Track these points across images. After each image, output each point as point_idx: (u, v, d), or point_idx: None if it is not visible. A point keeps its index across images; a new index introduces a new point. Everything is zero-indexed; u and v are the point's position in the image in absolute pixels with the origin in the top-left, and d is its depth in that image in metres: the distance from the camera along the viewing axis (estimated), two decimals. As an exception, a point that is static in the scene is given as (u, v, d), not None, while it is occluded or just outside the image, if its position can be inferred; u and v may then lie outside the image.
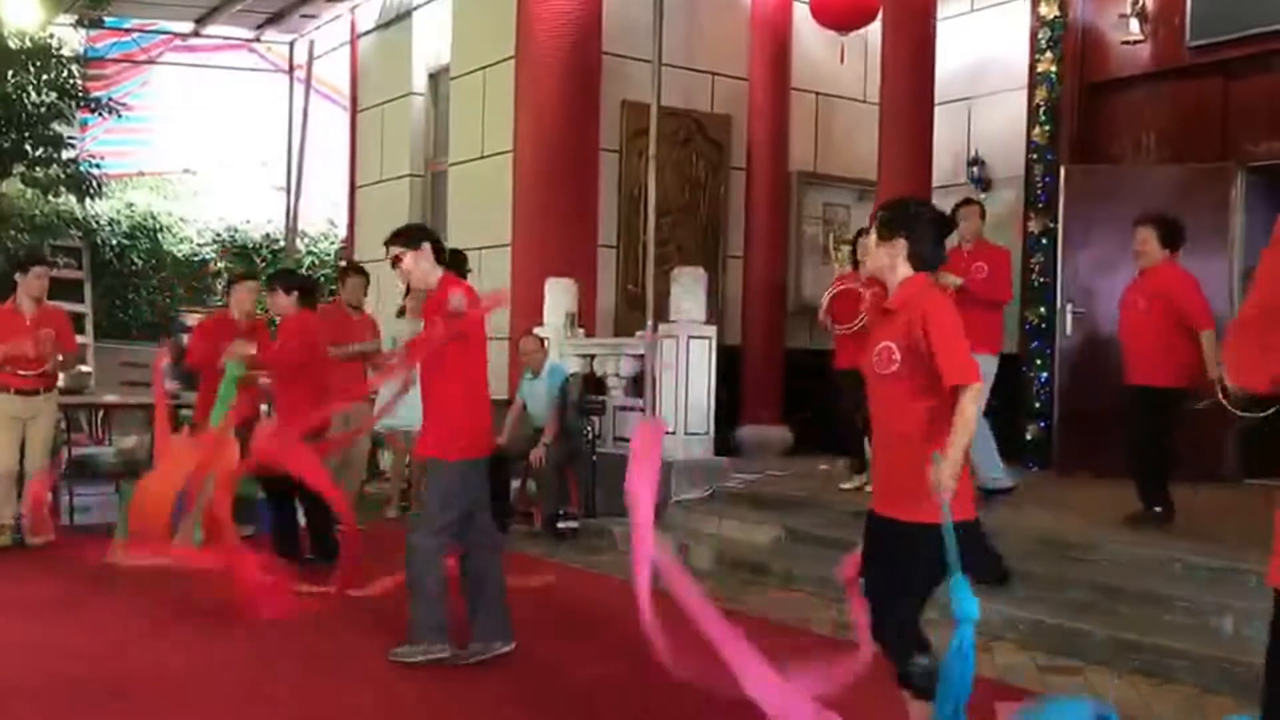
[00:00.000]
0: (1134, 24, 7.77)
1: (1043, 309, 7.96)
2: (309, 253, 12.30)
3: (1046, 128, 8.18)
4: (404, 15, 10.61)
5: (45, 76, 9.96)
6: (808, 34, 9.22)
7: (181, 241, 11.95)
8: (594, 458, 7.25)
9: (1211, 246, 7.11)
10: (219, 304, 8.63)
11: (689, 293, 7.12)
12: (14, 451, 6.24)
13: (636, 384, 7.38)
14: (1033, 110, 8.27)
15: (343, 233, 11.97)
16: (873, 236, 3.12)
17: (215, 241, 12.16)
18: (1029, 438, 7.89)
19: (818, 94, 9.66)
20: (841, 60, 8.69)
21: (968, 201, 6.39)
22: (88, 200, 10.56)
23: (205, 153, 12.38)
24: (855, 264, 6.50)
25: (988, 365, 5.95)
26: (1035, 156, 8.21)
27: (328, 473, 5.17)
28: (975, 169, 8.75)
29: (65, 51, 10.32)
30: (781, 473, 7.55)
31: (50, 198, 10.68)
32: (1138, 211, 7.13)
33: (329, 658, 4.25)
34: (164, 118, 12.22)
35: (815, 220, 9.63)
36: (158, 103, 12.21)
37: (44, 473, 6.35)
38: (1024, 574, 4.93)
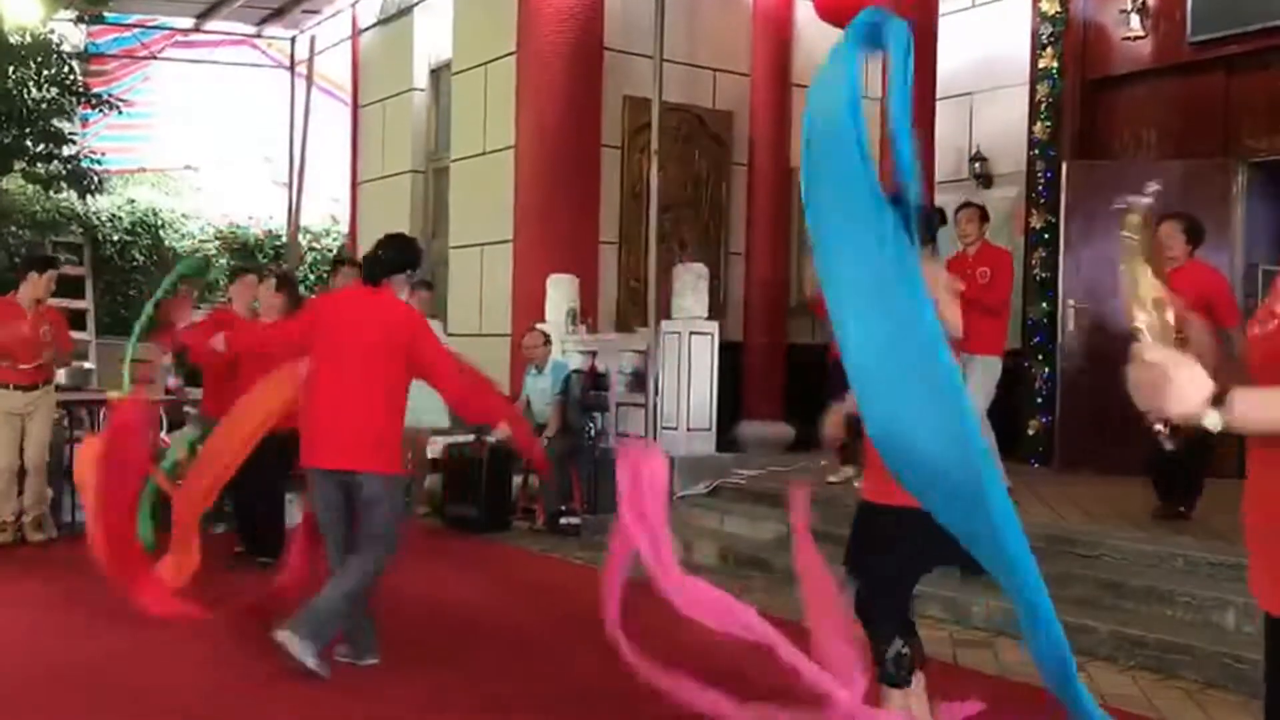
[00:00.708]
0: (1135, 20, 7.77)
1: (1044, 305, 7.97)
2: (311, 249, 12.29)
3: (1048, 123, 8.18)
4: (405, 11, 10.60)
5: (46, 72, 9.95)
6: (810, 29, 9.21)
7: (183, 238, 11.94)
8: (596, 454, 7.26)
9: (1212, 242, 7.07)
10: (222, 300, 8.62)
11: (691, 289, 7.14)
12: (13, 447, 6.24)
13: (638, 380, 7.39)
14: (1034, 106, 8.27)
15: (345, 229, 11.97)
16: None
17: (217, 238, 12.15)
18: (1031, 434, 7.90)
19: (819, 90, 9.63)
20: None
21: (967, 204, 6.39)
22: (89, 196, 10.55)
23: (206, 149, 12.35)
24: None
25: (993, 368, 5.97)
26: (1037, 152, 8.22)
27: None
28: (977, 165, 8.75)
29: (66, 47, 10.31)
30: (784, 468, 7.56)
31: (51, 194, 10.67)
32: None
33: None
34: (165, 113, 12.19)
35: (817, 216, 9.62)
36: (159, 98, 12.18)
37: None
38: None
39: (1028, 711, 3.26)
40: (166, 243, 11.80)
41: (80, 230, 11.25)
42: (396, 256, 4.18)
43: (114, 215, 11.58)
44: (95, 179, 10.26)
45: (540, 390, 7.27)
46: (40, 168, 10.16)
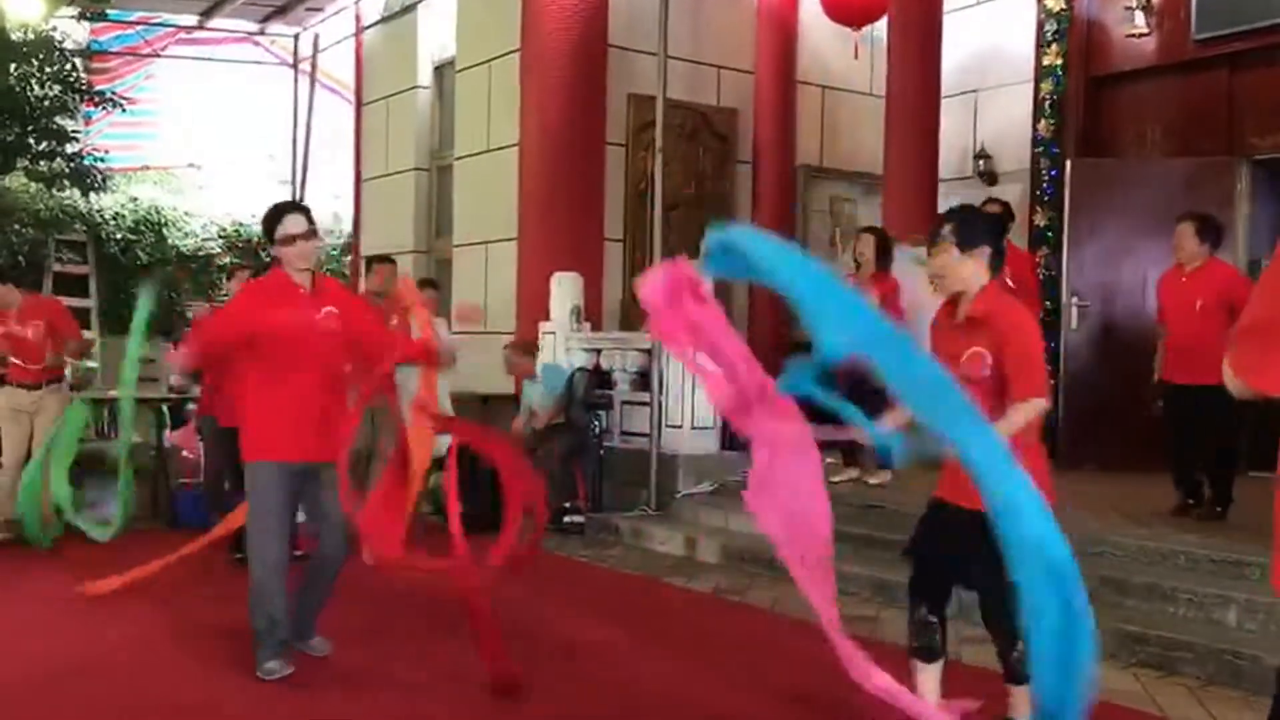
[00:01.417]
0: (1139, 17, 7.77)
1: (1048, 303, 7.96)
2: (314, 246, 12.30)
3: (1052, 121, 8.18)
4: (409, 8, 10.60)
5: (49, 70, 9.96)
6: (814, 27, 9.22)
7: (186, 236, 11.95)
8: (600, 452, 7.27)
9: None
10: (225, 298, 8.65)
11: (695, 287, 7.12)
12: (21, 446, 6.25)
13: (643, 378, 7.39)
14: (1038, 104, 8.27)
15: (348, 227, 11.97)
16: (950, 250, 3.11)
17: (220, 236, 12.16)
18: (1034, 431, 7.90)
19: (824, 87, 9.65)
20: (855, 56, 8.68)
21: (991, 201, 6.34)
22: (92, 194, 10.56)
23: (210, 146, 12.36)
24: (857, 265, 6.47)
25: None
26: (1041, 150, 8.22)
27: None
28: (981, 162, 8.75)
29: (69, 45, 10.32)
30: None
31: (55, 192, 10.68)
32: (1144, 204, 7.20)
33: (323, 660, 4.24)
34: (168, 111, 12.20)
35: (822, 214, 9.64)
36: (162, 96, 12.19)
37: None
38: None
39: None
40: (170, 241, 11.81)
41: (84, 228, 11.26)
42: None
43: (117, 213, 11.59)
44: (98, 177, 10.27)
45: (538, 395, 7.26)
46: (43, 166, 10.17)
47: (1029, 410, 3.01)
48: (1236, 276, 5.42)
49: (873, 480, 6.55)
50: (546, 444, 7.09)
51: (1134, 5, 7.78)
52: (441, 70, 10.37)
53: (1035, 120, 8.29)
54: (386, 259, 7.72)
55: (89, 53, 11.24)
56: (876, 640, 4.04)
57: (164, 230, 11.79)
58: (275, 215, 4.05)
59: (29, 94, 9.87)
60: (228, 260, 11.64)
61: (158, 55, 12.20)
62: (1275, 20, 7.08)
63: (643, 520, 6.83)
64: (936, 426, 2.36)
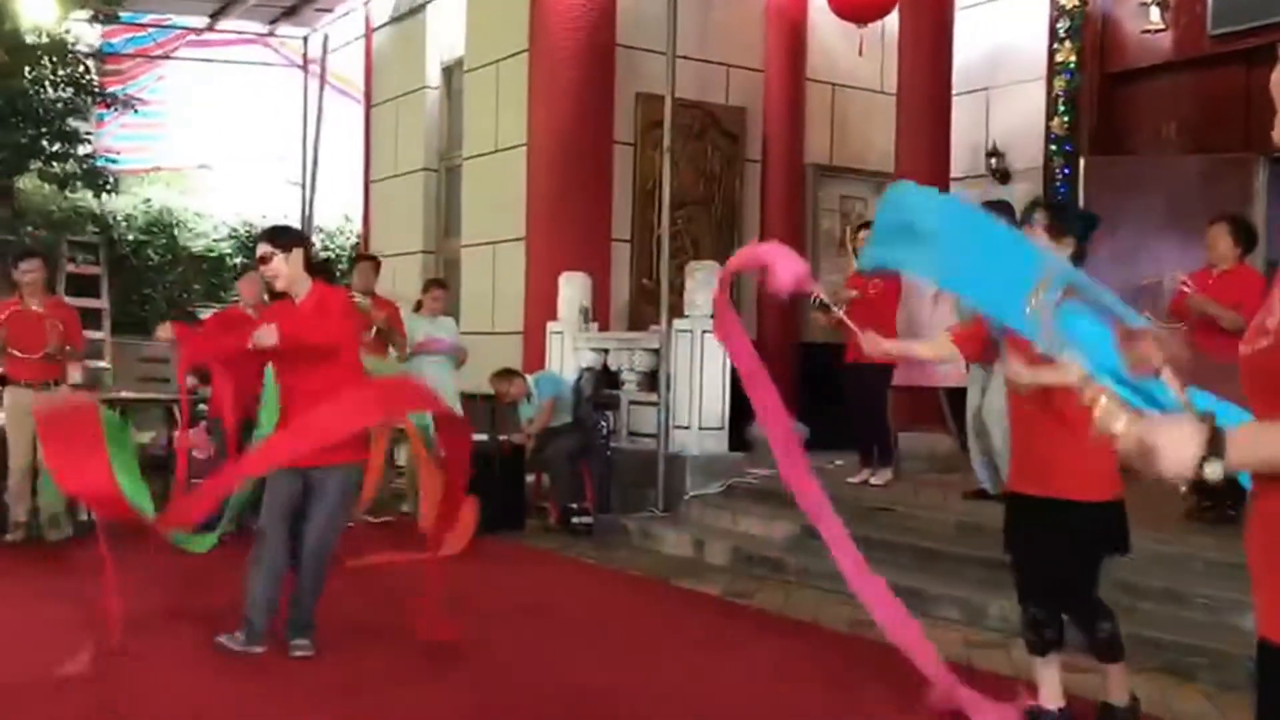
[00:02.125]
0: (1154, 12, 7.68)
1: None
2: (324, 247, 12.31)
3: (1066, 118, 8.10)
4: (418, 9, 10.59)
5: (61, 72, 10.01)
6: (823, 25, 9.15)
7: (197, 236, 11.98)
8: (608, 453, 7.23)
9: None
10: (235, 299, 8.65)
11: (704, 287, 7.07)
12: (28, 446, 6.25)
13: (651, 379, 7.35)
14: (1051, 101, 8.19)
15: (358, 227, 11.98)
16: (1040, 236, 3.25)
17: (231, 237, 12.18)
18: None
19: (834, 85, 9.58)
20: (860, 53, 8.61)
21: (996, 202, 6.31)
22: (104, 195, 10.59)
23: (220, 147, 12.40)
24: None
25: None
26: (1054, 148, 8.13)
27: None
28: (993, 160, 8.67)
29: (81, 47, 10.36)
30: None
31: (67, 193, 10.72)
32: (1159, 203, 7.10)
33: (327, 651, 4.21)
34: (179, 113, 12.24)
35: (831, 213, 9.57)
36: (173, 98, 12.23)
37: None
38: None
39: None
40: (181, 241, 11.84)
41: (96, 230, 11.30)
42: None
43: (129, 215, 11.63)
44: (110, 178, 10.30)
45: (538, 408, 7.19)
46: (56, 167, 10.20)
47: (1074, 369, 3.03)
48: (1254, 281, 5.32)
49: (875, 480, 6.50)
50: (554, 444, 7.05)
51: (1149, 1, 7.69)
52: (450, 71, 10.36)
53: (1048, 118, 8.20)
54: (368, 257, 7.75)
55: (101, 55, 11.28)
56: (891, 646, 3.97)
57: (175, 231, 11.83)
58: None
59: (42, 96, 9.92)
60: (238, 261, 11.66)
61: (168, 57, 12.24)
62: (1293, 14, 6.98)
63: (650, 521, 6.78)
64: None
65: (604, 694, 3.92)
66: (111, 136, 11.52)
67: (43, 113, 9.92)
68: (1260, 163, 7.28)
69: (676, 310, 7.11)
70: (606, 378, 7.57)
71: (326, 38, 11.89)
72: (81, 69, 10.16)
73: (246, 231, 12.26)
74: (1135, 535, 5.07)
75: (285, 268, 4.15)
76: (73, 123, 10.23)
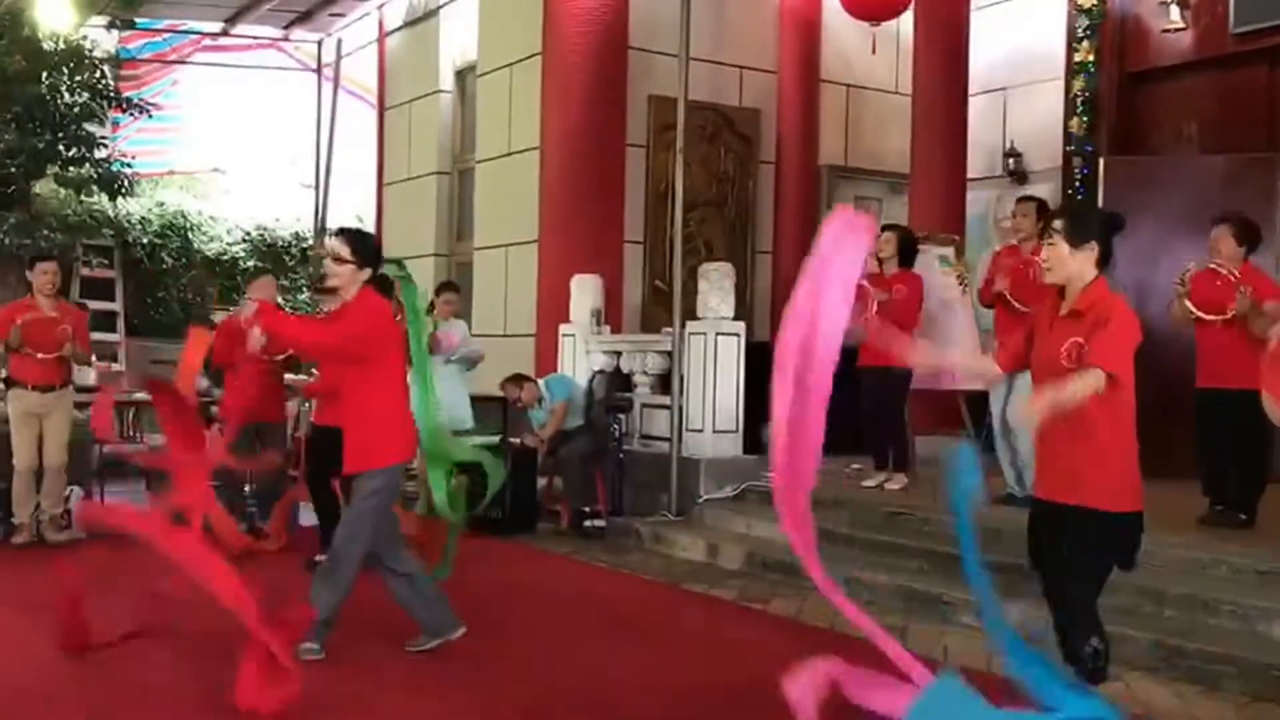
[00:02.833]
0: (1175, 11, 7.59)
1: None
2: (337, 251, 12.31)
3: (1085, 119, 8.02)
4: (431, 13, 10.59)
5: (78, 77, 10.05)
6: (837, 25, 9.09)
7: (211, 240, 12.00)
8: (620, 456, 7.17)
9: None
10: (246, 302, 8.64)
11: (717, 289, 7.02)
12: (33, 448, 6.25)
13: (663, 381, 7.29)
14: (1070, 101, 8.11)
15: (371, 230, 11.98)
16: (1061, 245, 3.18)
17: (245, 240, 12.20)
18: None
19: (848, 86, 9.52)
20: (874, 52, 8.54)
21: (1027, 198, 6.17)
22: (119, 199, 10.62)
23: (234, 151, 12.41)
24: (880, 263, 6.36)
25: None
26: (1073, 148, 8.05)
27: None
28: (1011, 161, 8.59)
29: (98, 53, 10.39)
30: (811, 471, 7.42)
31: (83, 197, 10.76)
32: (1180, 203, 6.99)
33: (346, 659, 4.17)
34: (194, 117, 12.26)
35: (846, 215, 9.49)
36: (188, 102, 12.25)
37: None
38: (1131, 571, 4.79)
39: None
40: (195, 245, 11.87)
41: (111, 233, 11.33)
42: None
43: (144, 218, 11.66)
44: (125, 182, 10.33)
45: (549, 412, 7.15)
46: (72, 172, 10.24)
47: (1097, 378, 3.00)
48: (1272, 285, 5.25)
49: (892, 485, 6.43)
50: (566, 447, 7.00)
51: (1169, 0, 7.60)
52: (463, 74, 10.36)
53: (1067, 118, 8.12)
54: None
55: (117, 60, 11.32)
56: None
57: (189, 235, 11.85)
58: None
59: (59, 102, 9.97)
60: (252, 264, 11.66)
61: (184, 62, 12.28)
62: (1317, 12, 6.88)
63: (663, 525, 6.72)
64: None
65: (615, 698, 3.86)
66: (127, 141, 11.53)
67: (59, 118, 9.96)
68: (1283, 162, 7.17)
69: (689, 312, 7.05)
70: (619, 380, 7.51)
71: (340, 42, 11.91)
72: (98, 74, 10.19)
73: (260, 235, 12.28)
74: (1158, 540, 5.04)
75: (350, 282, 4.09)
76: (89, 127, 10.26)
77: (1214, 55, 7.59)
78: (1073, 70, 8.10)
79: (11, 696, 3.71)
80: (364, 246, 4.18)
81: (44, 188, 10.77)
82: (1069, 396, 2.99)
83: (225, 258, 12.06)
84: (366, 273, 4.13)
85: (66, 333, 6.27)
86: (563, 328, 7.87)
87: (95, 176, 10.24)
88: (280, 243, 12.31)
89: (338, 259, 4.10)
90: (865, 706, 2.90)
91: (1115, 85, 8.03)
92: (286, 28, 11.83)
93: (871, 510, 6.03)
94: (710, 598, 5.43)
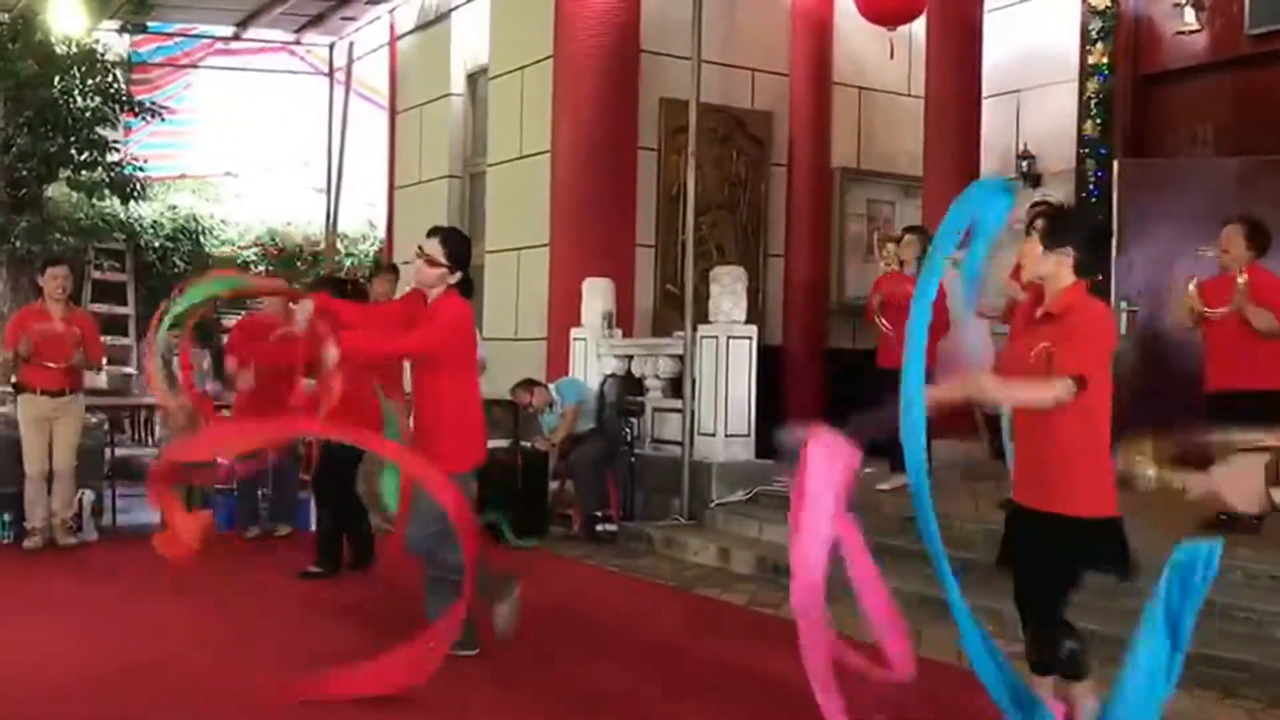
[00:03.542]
0: (1189, 13, 7.55)
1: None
2: (348, 254, 12.33)
3: (1098, 121, 7.98)
4: (442, 17, 10.60)
5: (90, 81, 10.07)
6: (850, 28, 9.07)
7: (223, 243, 12.03)
8: (632, 459, 7.16)
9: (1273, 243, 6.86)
10: (260, 305, 8.65)
11: (729, 292, 7.00)
12: (43, 453, 6.28)
13: (675, 385, 7.27)
14: (1084, 103, 8.07)
15: (381, 234, 11.99)
16: (1036, 245, 3.18)
17: (256, 244, 12.22)
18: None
19: (861, 88, 9.50)
20: (891, 56, 8.53)
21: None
22: (131, 203, 10.66)
23: (246, 155, 12.44)
24: (900, 264, 6.36)
25: None
26: (1087, 150, 8.01)
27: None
28: (1024, 164, 8.55)
29: (110, 57, 10.42)
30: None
31: (95, 201, 10.80)
32: (1196, 206, 6.95)
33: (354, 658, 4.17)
34: (205, 121, 12.30)
35: (859, 217, 9.48)
36: (200, 106, 12.29)
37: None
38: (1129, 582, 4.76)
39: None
40: (207, 248, 11.90)
41: (122, 237, 11.37)
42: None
43: (155, 222, 11.69)
44: (138, 185, 10.35)
45: (560, 417, 7.13)
46: (84, 175, 10.27)
47: (1067, 387, 2.99)
48: (1273, 284, 5.21)
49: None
50: (578, 451, 6.99)
51: (1183, 1, 7.56)
52: (474, 78, 10.36)
53: (1081, 120, 8.08)
54: (389, 267, 7.75)
55: (129, 64, 11.35)
56: (918, 657, 3.87)
57: (201, 238, 11.87)
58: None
59: (71, 106, 10.00)
60: (263, 268, 11.69)
61: (196, 66, 12.32)
62: (1333, 13, 6.83)
63: (675, 529, 6.70)
64: None
65: (625, 701, 3.84)
66: (139, 144, 11.56)
67: (71, 121, 9.98)
68: (1299, 164, 7.12)
69: (701, 316, 7.03)
70: (630, 384, 7.50)
71: (352, 45, 11.93)
72: (110, 78, 10.21)
73: (271, 238, 12.31)
74: (1171, 546, 5.00)
75: (438, 284, 4.04)
76: (101, 131, 10.28)
77: (1229, 57, 7.54)
78: (1086, 72, 8.06)
79: (26, 701, 3.71)
80: (459, 250, 4.14)
81: (56, 191, 10.80)
82: (1026, 396, 3.07)
83: (237, 261, 12.08)
84: (457, 276, 4.10)
85: (77, 339, 6.28)
86: (574, 331, 7.86)
87: (107, 180, 10.26)
88: (295, 247, 12.33)
89: (432, 262, 4.04)
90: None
91: (1129, 87, 7.99)
92: (298, 31, 11.85)
93: (884, 514, 6.01)
94: (722, 602, 5.42)
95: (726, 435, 6.94)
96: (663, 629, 4.95)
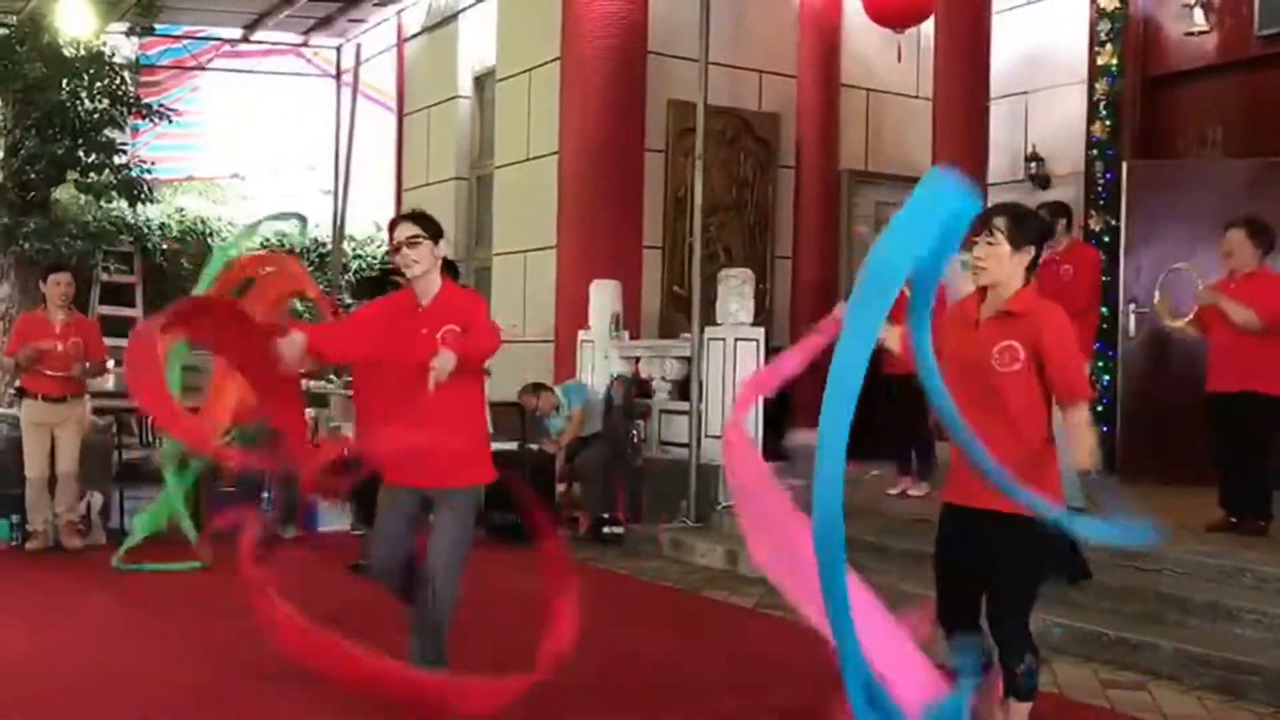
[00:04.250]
0: (1198, 14, 7.51)
1: (1104, 309, 7.70)
2: (355, 256, 12.34)
3: (1107, 122, 7.94)
4: (450, 19, 10.62)
5: (98, 84, 10.09)
6: (858, 29, 9.06)
7: (230, 246, 12.04)
8: (639, 462, 7.15)
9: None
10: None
11: (736, 294, 7.00)
12: (43, 457, 6.29)
13: (682, 387, 7.26)
14: (1093, 105, 8.03)
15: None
16: (1001, 244, 3.11)
17: (264, 246, 12.22)
18: (1090, 443, 7.64)
19: (868, 90, 9.49)
20: (899, 58, 8.51)
21: (1045, 205, 6.15)
22: (139, 205, 10.68)
23: (254, 157, 12.46)
24: None
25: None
26: (1095, 152, 7.98)
27: None
28: (1033, 165, 8.52)
29: (118, 59, 10.45)
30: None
31: (103, 203, 10.82)
32: (1203, 207, 6.93)
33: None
34: (213, 123, 12.32)
35: (867, 219, 9.46)
36: (207, 108, 12.31)
37: None
38: (1086, 584, 4.74)
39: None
40: (214, 250, 11.91)
41: (130, 239, 11.40)
42: None
43: (163, 224, 11.71)
44: (145, 188, 10.38)
45: (567, 420, 7.14)
46: (92, 178, 10.30)
47: (1085, 410, 3.01)
48: (1273, 290, 5.20)
49: (914, 492, 6.39)
50: (584, 453, 6.99)
51: (1193, 2, 7.52)
52: (482, 80, 10.37)
53: (1089, 122, 8.05)
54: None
55: (137, 66, 11.39)
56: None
57: (208, 240, 11.89)
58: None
59: (79, 108, 10.02)
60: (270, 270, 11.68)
61: (203, 68, 12.34)
62: (1343, 14, 6.80)
63: (682, 532, 6.69)
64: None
65: (633, 703, 3.83)
66: (147, 147, 11.60)
67: (79, 124, 10.00)
68: (1310, 166, 7.09)
69: (708, 318, 7.02)
70: (637, 386, 7.50)
71: (359, 48, 11.94)
72: (118, 80, 10.24)
73: (279, 241, 12.32)
74: (1180, 548, 4.99)
75: (430, 257, 3.75)
76: (109, 133, 10.31)
77: (1239, 58, 7.50)
78: (1095, 74, 8.03)
79: (27, 703, 3.72)
80: (433, 223, 3.95)
81: (64, 194, 10.83)
82: (1093, 442, 2.99)
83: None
84: (441, 247, 3.94)
85: (79, 353, 6.29)
86: (581, 333, 7.86)
87: (115, 182, 10.28)
88: (303, 249, 12.33)
89: (412, 244, 3.77)
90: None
91: (1138, 89, 7.96)
92: (306, 34, 11.87)
93: (892, 518, 5.99)
94: (730, 605, 5.40)
95: (734, 438, 6.92)
96: (669, 632, 4.94)
